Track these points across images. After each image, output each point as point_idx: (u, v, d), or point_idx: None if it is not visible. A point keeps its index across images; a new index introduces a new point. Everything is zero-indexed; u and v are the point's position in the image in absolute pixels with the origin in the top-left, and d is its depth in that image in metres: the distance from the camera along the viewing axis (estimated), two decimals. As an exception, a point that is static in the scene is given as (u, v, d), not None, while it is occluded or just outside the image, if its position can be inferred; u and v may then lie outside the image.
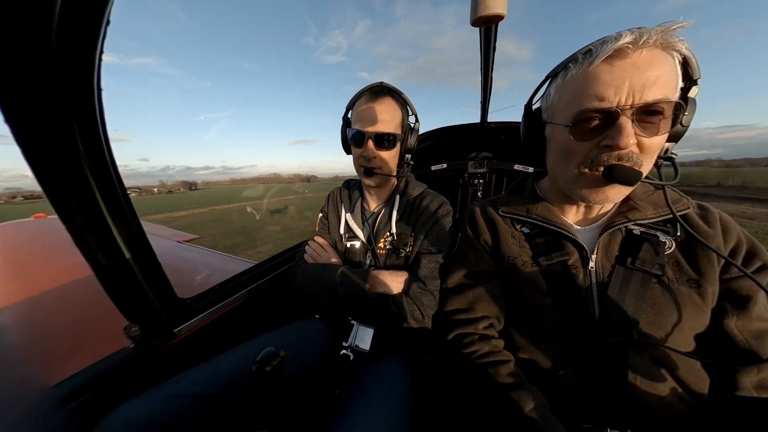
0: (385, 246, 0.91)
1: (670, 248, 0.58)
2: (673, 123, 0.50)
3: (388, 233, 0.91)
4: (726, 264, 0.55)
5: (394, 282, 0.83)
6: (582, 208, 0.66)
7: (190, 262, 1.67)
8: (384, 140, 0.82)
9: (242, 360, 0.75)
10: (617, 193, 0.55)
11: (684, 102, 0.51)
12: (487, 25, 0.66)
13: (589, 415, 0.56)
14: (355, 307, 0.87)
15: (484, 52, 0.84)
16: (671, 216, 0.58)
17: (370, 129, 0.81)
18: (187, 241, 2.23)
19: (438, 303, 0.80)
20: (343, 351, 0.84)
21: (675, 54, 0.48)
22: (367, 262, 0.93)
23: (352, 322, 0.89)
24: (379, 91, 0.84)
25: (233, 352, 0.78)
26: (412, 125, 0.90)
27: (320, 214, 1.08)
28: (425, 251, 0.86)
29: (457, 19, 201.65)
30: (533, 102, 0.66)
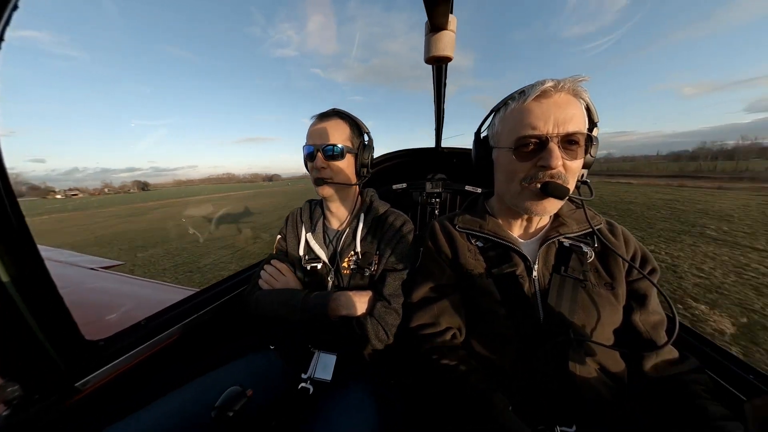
0: (349, 266, 0.89)
1: (590, 257, 0.69)
2: (586, 152, 0.64)
3: (352, 252, 0.90)
4: (629, 268, 0.67)
5: (359, 303, 0.80)
6: (524, 223, 0.75)
7: (108, 293, 1.38)
8: (332, 151, 0.87)
9: (178, 409, 0.63)
10: (552, 205, 0.65)
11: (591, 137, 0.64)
12: (438, 64, 0.74)
13: (541, 415, 0.60)
14: (317, 333, 0.81)
15: (436, 86, 0.94)
16: (590, 230, 0.70)
17: (318, 142, 0.87)
18: (106, 268, 1.84)
19: (402, 318, 0.79)
20: (302, 384, 0.76)
21: (581, 101, 0.63)
22: (330, 283, 0.89)
23: (313, 350, 0.82)
24: (326, 113, 0.92)
25: (165, 401, 0.65)
26: (366, 143, 0.95)
27: (278, 236, 1.02)
28: (390, 268, 0.86)
29: (410, 24, 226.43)
30: (481, 131, 0.77)
